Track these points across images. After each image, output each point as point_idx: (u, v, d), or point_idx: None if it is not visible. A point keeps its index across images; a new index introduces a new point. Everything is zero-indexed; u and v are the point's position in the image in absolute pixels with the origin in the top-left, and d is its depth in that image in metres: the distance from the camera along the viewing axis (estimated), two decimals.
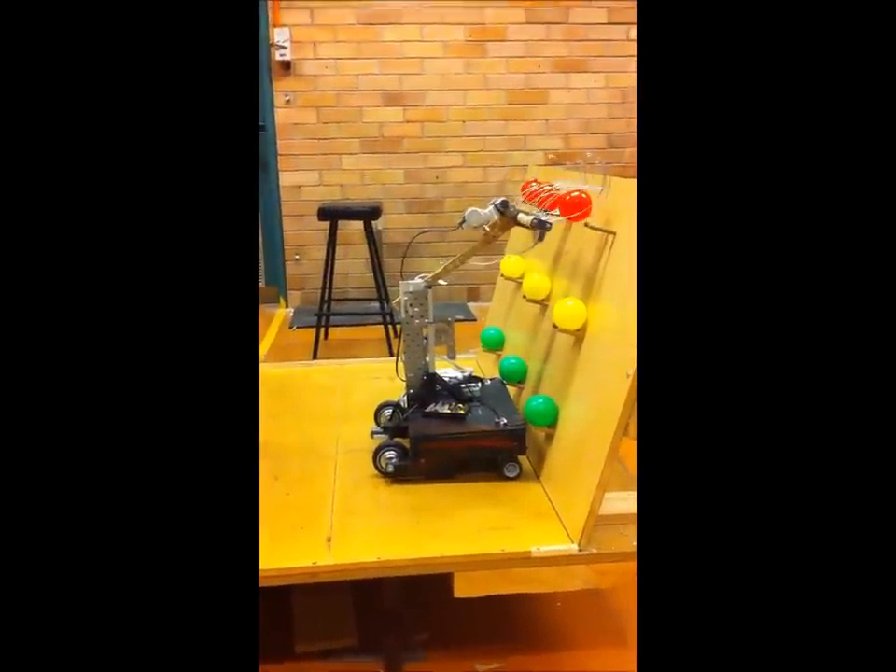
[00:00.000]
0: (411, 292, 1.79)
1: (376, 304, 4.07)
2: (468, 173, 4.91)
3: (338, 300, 4.24)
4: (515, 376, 1.94)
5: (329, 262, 3.89)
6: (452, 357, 1.86)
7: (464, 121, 4.89)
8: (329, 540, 1.44)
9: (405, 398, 1.85)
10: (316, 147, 4.82)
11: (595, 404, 1.48)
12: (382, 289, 4.05)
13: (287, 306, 5.00)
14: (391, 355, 3.91)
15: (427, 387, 1.81)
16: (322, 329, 4.08)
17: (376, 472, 1.70)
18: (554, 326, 1.66)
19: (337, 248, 3.92)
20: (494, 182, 4.92)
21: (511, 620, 1.75)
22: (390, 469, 1.69)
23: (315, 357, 3.81)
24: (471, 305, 4.95)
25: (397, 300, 1.82)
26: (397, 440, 1.75)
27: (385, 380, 2.38)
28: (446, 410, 1.77)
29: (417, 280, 1.80)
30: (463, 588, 1.42)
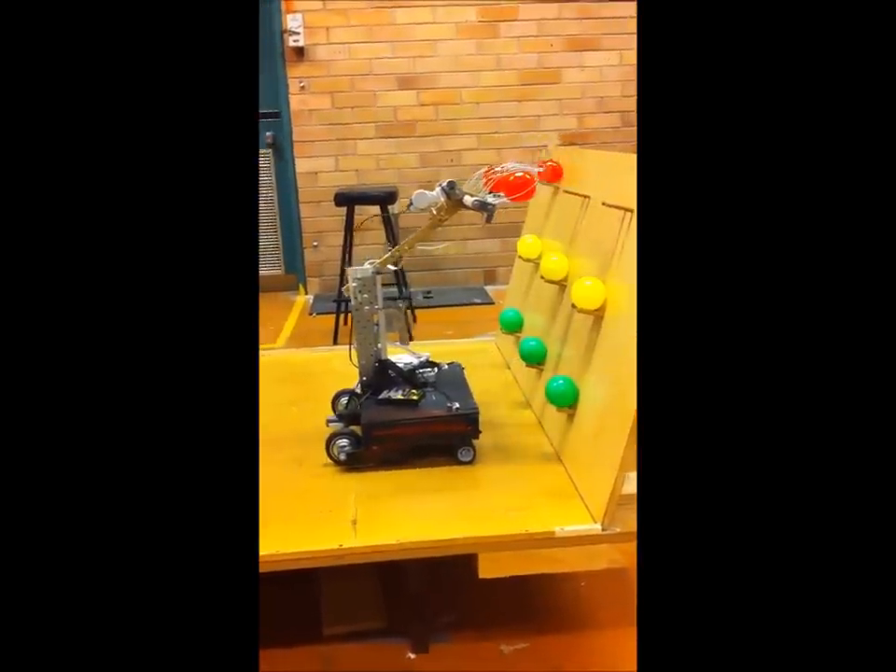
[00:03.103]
0: (359, 278, 1.78)
1: (394, 289, 4.07)
2: (482, 155, 4.88)
3: None
4: (535, 358, 1.93)
5: (347, 248, 3.89)
6: (405, 342, 1.86)
7: (477, 103, 4.86)
8: (354, 523, 1.45)
9: (359, 385, 1.85)
10: (332, 132, 4.81)
11: (615, 384, 1.48)
12: (399, 274, 4.05)
13: (306, 293, 5.02)
14: (410, 339, 3.92)
15: (379, 374, 1.80)
16: (342, 315, 4.09)
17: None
18: (573, 306, 1.65)
19: (354, 234, 3.92)
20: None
21: (535, 601, 1.75)
22: (342, 457, 1.69)
23: (335, 342, 3.82)
24: (488, 288, 4.94)
25: (346, 286, 1.80)
26: (351, 427, 1.74)
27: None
28: (399, 396, 1.75)
29: (365, 266, 1.78)
30: (487, 569, 1.43)
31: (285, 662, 1.57)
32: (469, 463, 1.68)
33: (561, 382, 1.67)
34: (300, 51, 4.68)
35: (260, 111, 4.91)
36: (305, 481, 1.65)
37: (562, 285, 1.91)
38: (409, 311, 4.09)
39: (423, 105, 4.84)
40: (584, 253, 1.82)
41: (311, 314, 4.56)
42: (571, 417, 1.66)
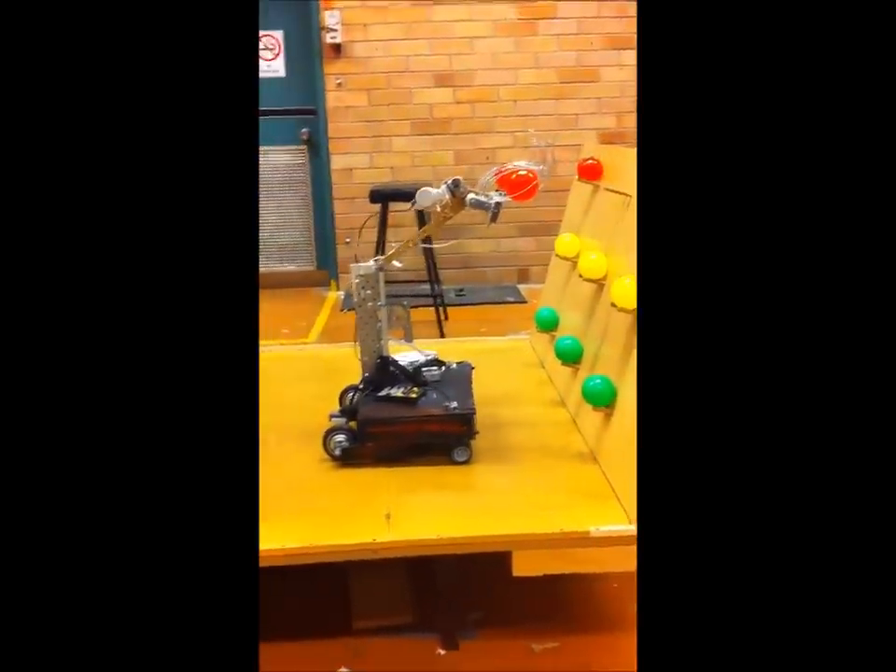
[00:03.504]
0: (362, 275, 1.77)
1: (426, 286, 4.07)
2: (517, 153, 4.85)
3: (388, 282, 4.24)
4: (571, 356, 1.92)
5: (380, 245, 3.90)
6: (409, 339, 1.84)
7: (514, 101, 4.84)
8: (388, 517, 1.45)
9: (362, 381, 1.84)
10: (367, 129, 4.82)
11: None
12: (432, 271, 4.05)
13: (338, 289, 5.04)
14: (441, 336, 3.92)
15: (381, 370, 1.79)
16: None
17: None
18: (613, 305, 1.63)
19: (387, 230, 3.92)
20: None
21: (566, 600, 1.74)
22: (338, 452, 1.68)
23: None
24: (521, 287, 4.92)
25: (349, 284, 1.80)
26: (350, 423, 1.73)
27: None
28: (398, 393, 1.74)
29: (369, 263, 1.78)
30: (521, 567, 1.42)
31: (315, 654, 1.58)
32: (465, 463, 1.66)
33: (598, 381, 1.65)
34: (337, 48, 4.69)
35: (297, 108, 4.95)
36: (336, 475, 1.66)
37: (600, 283, 1.89)
38: (442, 308, 4.09)
39: (459, 102, 4.83)
40: (624, 251, 1.80)
41: (342, 310, 4.57)
42: (608, 417, 1.65)
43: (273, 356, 2.56)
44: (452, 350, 2.60)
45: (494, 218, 1.65)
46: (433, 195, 1.70)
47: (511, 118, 4.85)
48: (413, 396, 1.73)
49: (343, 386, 1.89)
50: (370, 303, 1.78)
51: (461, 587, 1.66)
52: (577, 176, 2.24)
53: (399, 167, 4.86)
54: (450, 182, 1.70)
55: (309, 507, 1.48)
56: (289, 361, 2.52)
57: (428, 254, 4.07)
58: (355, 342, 1.83)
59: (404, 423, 1.68)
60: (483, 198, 1.67)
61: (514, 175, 1.67)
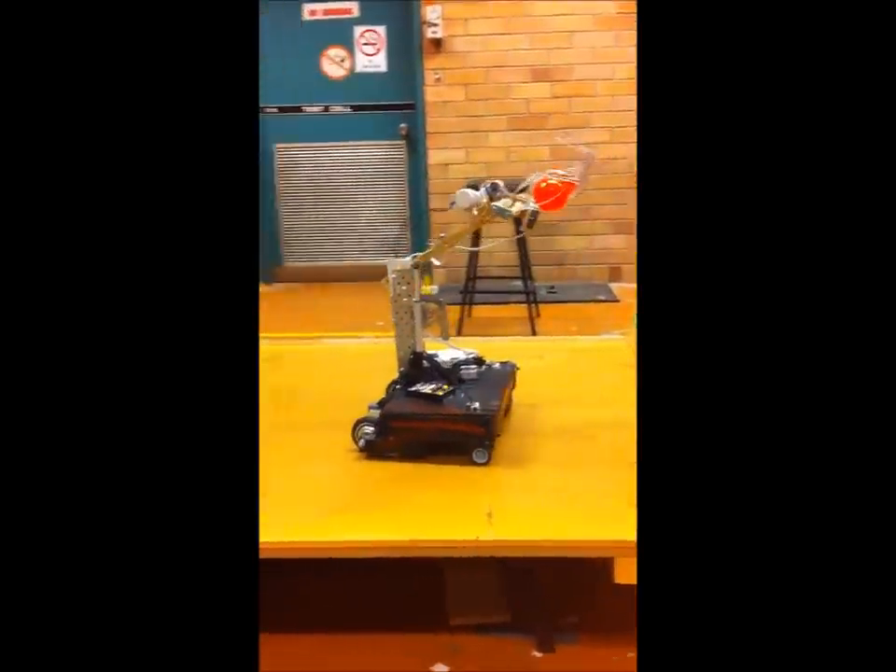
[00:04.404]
0: (398, 270, 1.77)
1: (519, 283, 4.05)
2: (614, 149, 4.78)
3: (481, 277, 4.25)
4: None
5: (476, 238, 3.89)
6: (445, 337, 1.84)
7: (612, 96, 4.75)
8: (489, 515, 1.44)
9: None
10: (464, 124, 4.83)
11: None
12: (525, 268, 4.02)
13: (431, 283, 5.06)
14: (533, 333, 3.90)
15: (414, 366, 1.80)
16: (467, 307, 4.11)
17: (528, 450, 1.69)
18: None
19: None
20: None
21: None
22: (361, 443, 1.69)
23: (459, 333, 3.84)
24: (613, 286, 4.84)
25: (385, 279, 1.79)
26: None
27: (533, 359, 2.37)
28: (427, 390, 1.74)
29: (405, 259, 1.78)
30: (623, 574, 1.39)
31: (410, 648, 1.59)
32: (484, 465, 1.64)
33: None
34: (437, 43, 4.71)
35: (396, 102, 4.99)
36: (436, 471, 1.66)
37: None
38: (534, 305, 4.06)
39: (556, 97, 4.78)
40: None
41: None
42: None
43: (365, 349, 2.59)
44: (545, 348, 2.58)
45: (529, 225, 1.63)
46: (471, 197, 1.69)
47: (608, 113, 4.77)
48: (440, 393, 1.73)
49: None
50: (404, 299, 1.79)
51: (558, 589, 1.64)
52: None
53: (495, 162, 4.84)
54: (489, 185, 1.68)
55: (406, 501, 1.49)
56: (381, 355, 2.54)
57: (522, 250, 4.04)
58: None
59: (425, 420, 1.68)
60: (505, 205, 1.65)
61: (545, 184, 1.64)
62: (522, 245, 4.04)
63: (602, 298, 4.60)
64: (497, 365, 1.92)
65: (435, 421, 1.68)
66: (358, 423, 1.72)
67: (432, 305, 1.83)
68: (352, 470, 1.68)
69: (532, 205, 1.66)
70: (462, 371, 1.84)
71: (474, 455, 1.66)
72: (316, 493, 1.59)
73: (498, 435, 1.68)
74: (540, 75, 4.75)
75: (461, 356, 1.90)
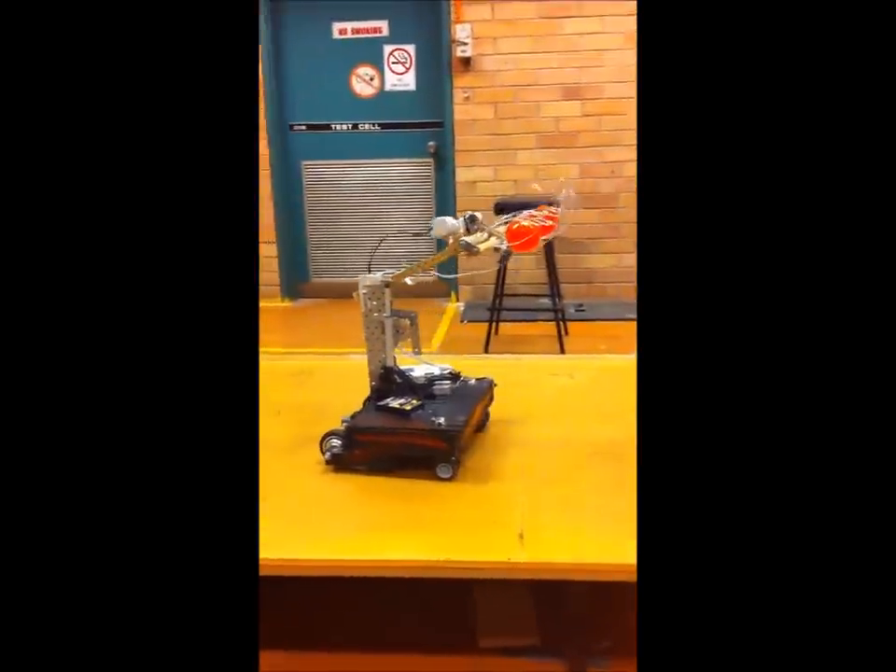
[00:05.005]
0: (368, 286, 1.78)
1: (546, 300, 4.03)
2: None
3: (508, 295, 4.24)
4: None
5: (503, 257, 3.88)
6: (416, 352, 1.84)
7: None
8: (521, 537, 1.42)
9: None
10: (492, 142, 4.84)
11: None
12: (554, 285, 4.00)
13: (457, 300, 5.06)
14: (562, 352, 3.87)
15: (385, 380, 1.80)
16: (493, 325, 4.09)
17: (557, 470, 1.66)
18: None
19: None
20: None
21: None
22: (328, 456, 1.69)
23: (486, 350, 3.82)
24: None
25: (355, 293, 1.80)
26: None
27: (563, 377, 2.34)
28: (395, 405, 1.73)
29: (376, 275, 1.78)
30: None
31: (438, 668, 1.56)
32: (448, 480, 1.63)
33: None
34: (466, 62, 4.73)
35: (425, 121, 5.02)
36: (471, 490, 1.64)
37: None
38: (562, 322, 4.03)
39: (587, 115, 4.78)
40: None
41: (462, 321, 4.59)
42: None
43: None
44: (574, 366, 2.56)
45: (501, 261, 1.68)
46: (448, 226, 1.70)
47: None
48: (408, 408, 1.72)
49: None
50: (375, 314, 1.79)
51: (590, 612, 1.60)
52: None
53: (523, 180, 4.85)
54: (467, 216, 1.71)
55: (435, 520, 1.47)
56: None
57: (550, 268, 4.03)
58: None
59: (390, 434, 1.67)
60: (476, 240, 1.67)
61: (516, 225, 1.65)
62: (550, 262, 4.02)
63: (631, 317, 4.56)
64: (473, 381, 1.91)
65: (401, 435, 1.67)
66: (326, 436, 1.72)
67: (403, 321, 1.82)
68: (370, 487, 1.67)
69: (504, 244, 1.70)
70: (435, 387, 1.84)
71: (438, 471, 1.65)
72: (343, 508, 1.58)
73: (463, 451, 1.67)
74: (571, 93, 4.75)
75: (436, 371, 1.91)
